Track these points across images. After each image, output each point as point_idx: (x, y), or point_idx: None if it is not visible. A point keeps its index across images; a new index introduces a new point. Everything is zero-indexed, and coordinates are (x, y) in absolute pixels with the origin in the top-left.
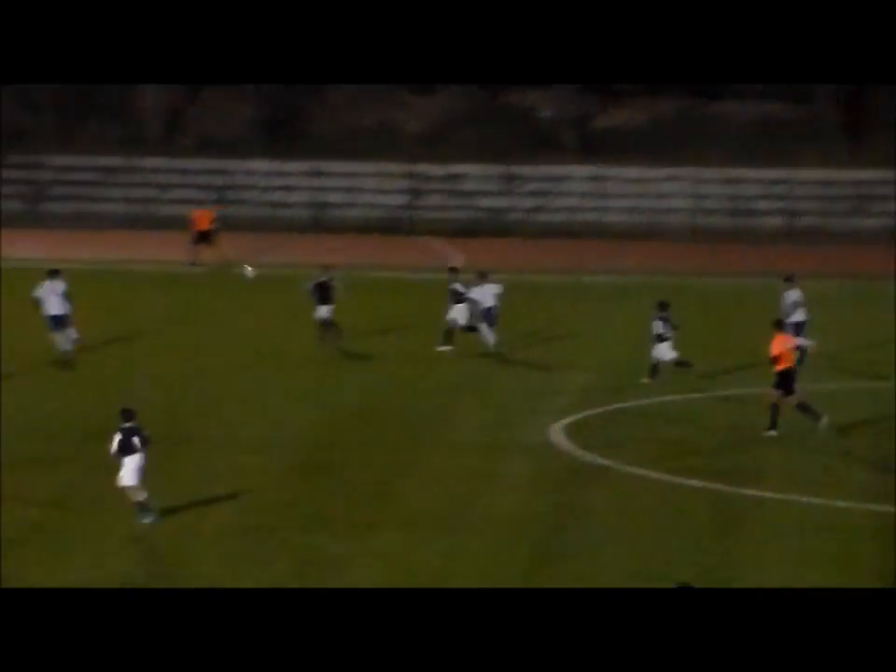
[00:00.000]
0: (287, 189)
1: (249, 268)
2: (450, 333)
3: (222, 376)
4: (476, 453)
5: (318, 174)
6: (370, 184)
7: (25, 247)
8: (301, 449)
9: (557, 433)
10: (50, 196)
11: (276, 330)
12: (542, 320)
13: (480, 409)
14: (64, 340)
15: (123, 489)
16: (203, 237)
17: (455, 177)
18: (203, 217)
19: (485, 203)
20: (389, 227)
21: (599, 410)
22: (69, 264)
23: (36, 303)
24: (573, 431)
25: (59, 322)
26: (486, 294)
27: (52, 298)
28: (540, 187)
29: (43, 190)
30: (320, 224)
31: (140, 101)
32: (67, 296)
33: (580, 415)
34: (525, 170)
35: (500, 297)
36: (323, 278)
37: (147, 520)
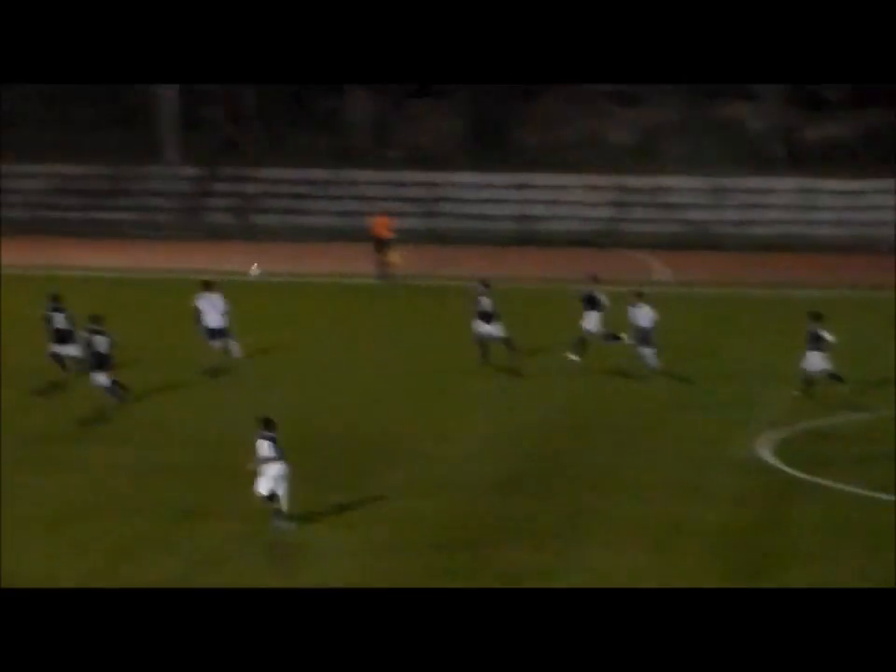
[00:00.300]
0: (493, 202)
1: (255, 267)
2: (583, 343)
3: (415, 390)
4: (682, 466)
5: (524, 186)
6: (575, 196)
7: (233, 259)
8: (503, 463)
9: (763, 448)
10: (260, 208)
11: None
12: (745, 334)
13: (683, 423)
14: (222, 349)
15: (261, 497)
16: (382, 245)
17: (662, 190)
18: (381, 225)
19: (692, 215)
20: (594, 240)
21: (805, 424)
22: (280, 277)
23: (195, 314)
24: (779, 446)
25: (216, 334)
26: (641, 315)
27: (210, 309)
28: (748, 199)
29: (252, 203)
30: (524, 237)
31: (349, 113)
32: (225, 308)
33: (785, 430)
34: (733, 182)
35: (656, 322)
36: (483, 295)
37: (282, 527)
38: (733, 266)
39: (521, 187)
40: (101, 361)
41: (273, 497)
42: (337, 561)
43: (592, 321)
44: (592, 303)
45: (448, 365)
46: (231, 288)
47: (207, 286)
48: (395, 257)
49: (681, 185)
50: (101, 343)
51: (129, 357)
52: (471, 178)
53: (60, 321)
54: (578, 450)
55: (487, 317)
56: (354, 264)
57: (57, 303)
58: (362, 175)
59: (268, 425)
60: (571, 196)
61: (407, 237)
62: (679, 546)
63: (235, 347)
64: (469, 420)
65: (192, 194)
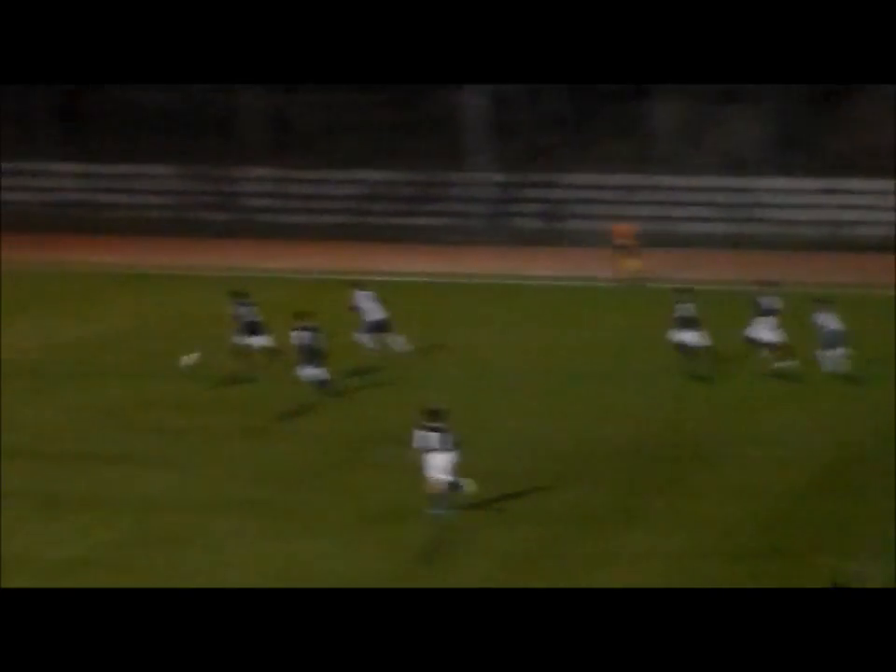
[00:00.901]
0: (800, 207)
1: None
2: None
3: (699, 393)
4: None
5: (833, 191)
6: (889, 202)
7: (540, 264)
8: (807, 469)
9: None
10: (568, 214)
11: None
12: None
13: None
14: (380, 344)
15: (429, 481)
16: (623, 251)
17: None
18: (623, 232)
19: None
20: None
21: None
22: (583, 282)
23: (357, 312)
24: None
25: (377, 327)
26: (829, 319)
27: (369, 306)
28: None
29: (560, 209)
30: (829, 243)
31: (656, 118)
32: (381, 304)
33: None
34: None
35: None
36: (683, 303)
37: (437, 512)
38: None
39: (829, 191)
40: (312, 356)
41: (455, 485)
42: (637, 564)
43: (762, 328)
44: (759, 309)
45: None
46: (540, 292)
47: (359, 285)
48: (631, 263)
49: None
50: (310, 338)
51: (440, 358)
52: (780, 184)
53: (248, 314)
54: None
55: (688, 324)
56: (657, 268)
57: (243, 299)
58: (668, 180)
59: (435, 415)
60: (885, 202)
61: (653, 242)
62: None
63: (399, 342)
64: (765, 422)
65: (500, 200)
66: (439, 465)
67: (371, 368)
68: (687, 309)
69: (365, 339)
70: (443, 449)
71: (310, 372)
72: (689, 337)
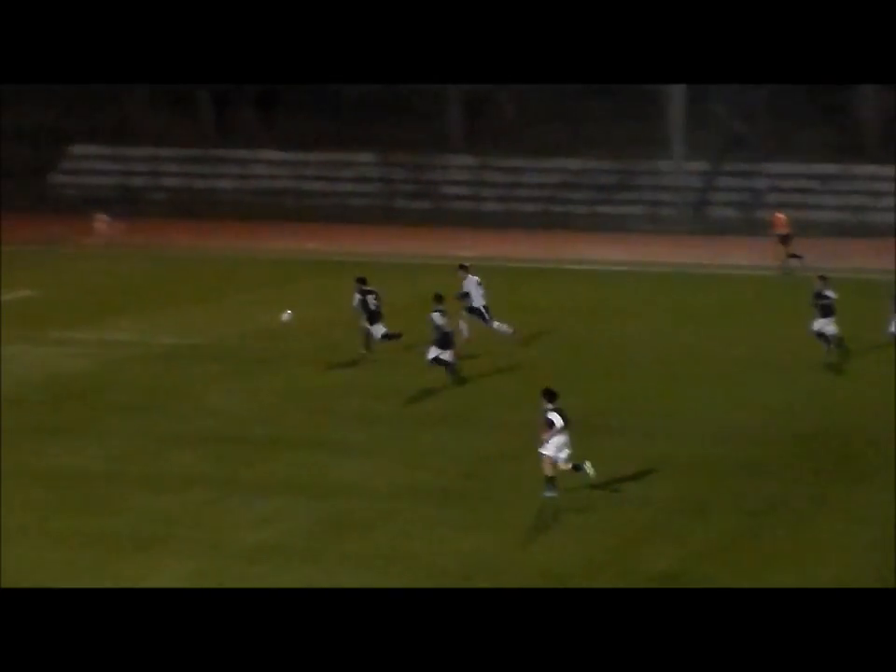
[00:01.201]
0: None
1: (288, 314)
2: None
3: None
4: None
5: None
6: None
7: (734, 254)
8: None
9: None
10: (765, 204)
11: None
12: None
13: None
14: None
15: (545, 460)
16: (784, 240)
17: None
18: (781, 221)
19: None
20: None
21: None
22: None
23: (463, 297)
24: None
25: (477, 313)
26: None
27: (475, 291)
28: None
29: (758, 198)
30: None
31: (858, 109)
32: (483, 290)
33: None
34: None
35: None
36: (820, 289)
37: (549, 494)
38: None
39: None
40: (444, 341)
41: (577, 467)
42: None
43: (823, 323)
44: (823, 305)
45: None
46: (734, 281)
47: (465, 269)
48: (788, 250)
49: None
50: (443, 322)
51: (630, 347)
52: None
53: (371, 303)
54: None
55: (825, 311)
56: (852, 259)
57: (366, 286)
58: (870, 169)
59: (553, 397)
60: None
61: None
62: None
63: (503, 327)
64: None
65: (697, 189)
66: (555, 445)
67: (553, 356)
68: (825, 297)
69: (463, 325)
70: (560, 430)
71: (438, 355)
72: (821, 324)
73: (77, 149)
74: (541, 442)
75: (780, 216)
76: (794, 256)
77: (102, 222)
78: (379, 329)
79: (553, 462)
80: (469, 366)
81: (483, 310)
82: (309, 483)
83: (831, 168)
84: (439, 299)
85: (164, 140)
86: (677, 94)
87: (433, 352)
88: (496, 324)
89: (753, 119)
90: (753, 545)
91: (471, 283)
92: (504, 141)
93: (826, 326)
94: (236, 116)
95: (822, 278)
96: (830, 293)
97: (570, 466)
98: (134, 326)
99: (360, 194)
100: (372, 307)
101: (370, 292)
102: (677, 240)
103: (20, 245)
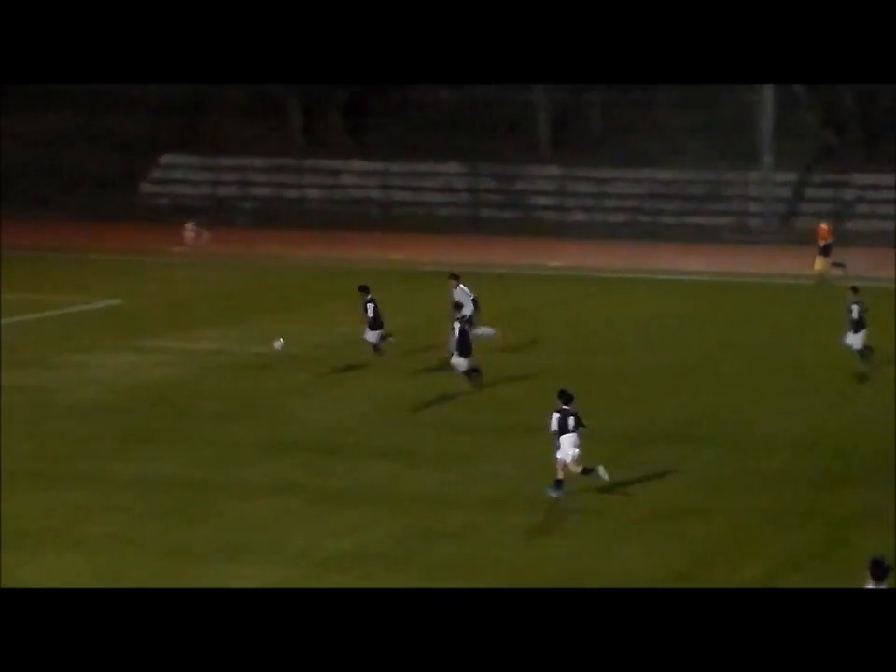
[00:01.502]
0: None
1: (280, 341)
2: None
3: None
4: None
5: None
6: None
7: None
8: None
9: None
10: (854, 214)
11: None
12: None
13: None
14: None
15: (559, 463)
16: (824, 250)
17: None
18: (824, 231)
19: None
20: None
21: None
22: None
23: (456, 306)
24: None
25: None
26: None
27: (466, 300)
28: None
29: (848, 209)
30: None
31: None
32: (474, 299)
33: None
34: None
35: None
36: (854, 302)
37: (553, 494)
38: None
39: None
40: (464, 348)
41: (588, 470)
42: None
43: (854, 337)
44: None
45: None
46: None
47: (457, 278)
48: (828, 261)
49: None
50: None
51: (719, 356)
52: None
53: (371, 310)
54: None
55: (855, 325)
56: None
57: (369, 294)
58: None
59: (567, 398)
60: None
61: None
62: None
63: (486, 331)
64: None
65: (786, 199)
66: (567, 446)
67: (640, 366)
68: (855, 310)
69: (485, 330)
70: (572, 431)
71: (462, 362)
72: (852, 338)
73: (168, 159)
74: (555, 443)
75: (824, 226)
76: (837, 265)
77: (191, 231)
78: (375, 336)
79: (562, 462)
80: (550, 377)
81: (470, 319)
82: (394, 492)
83: None
84: (458, 307)
85: (253, 150)
86: (766, 104)
87: (456, 359)
88: (478, 330)
89: (842, 129)
90: (843, 555)
91: (461, 292)
92: (591, 151)
93: (853, 340)
94: (325, 125)
95: (854, 290)
96: (856, 306)
97: (581, 469)
98: (223, 335)
99: (447, 204)
100: (371, 315)
101: (371, 301)
102: (766, 250)
103: (110, 254)
